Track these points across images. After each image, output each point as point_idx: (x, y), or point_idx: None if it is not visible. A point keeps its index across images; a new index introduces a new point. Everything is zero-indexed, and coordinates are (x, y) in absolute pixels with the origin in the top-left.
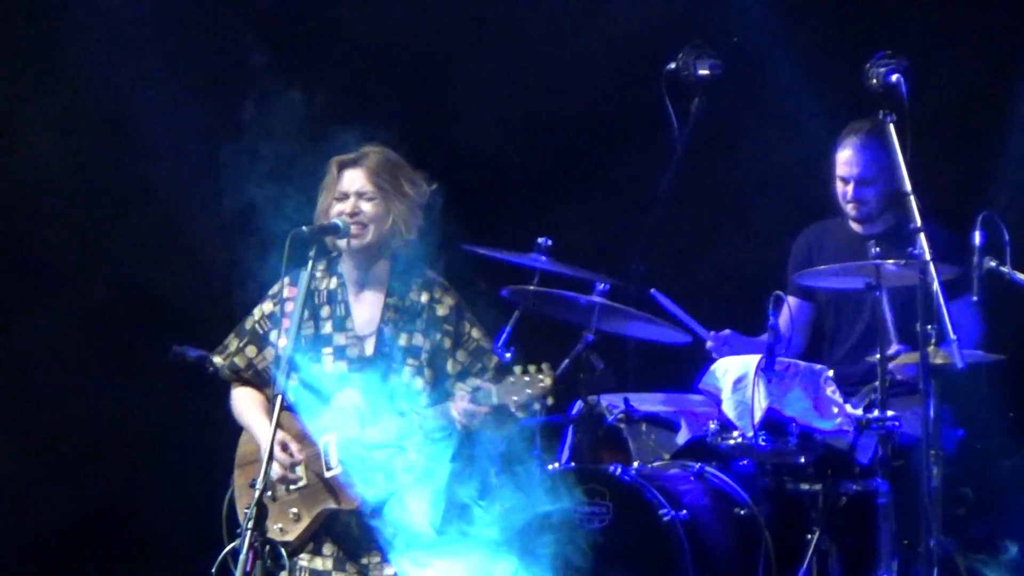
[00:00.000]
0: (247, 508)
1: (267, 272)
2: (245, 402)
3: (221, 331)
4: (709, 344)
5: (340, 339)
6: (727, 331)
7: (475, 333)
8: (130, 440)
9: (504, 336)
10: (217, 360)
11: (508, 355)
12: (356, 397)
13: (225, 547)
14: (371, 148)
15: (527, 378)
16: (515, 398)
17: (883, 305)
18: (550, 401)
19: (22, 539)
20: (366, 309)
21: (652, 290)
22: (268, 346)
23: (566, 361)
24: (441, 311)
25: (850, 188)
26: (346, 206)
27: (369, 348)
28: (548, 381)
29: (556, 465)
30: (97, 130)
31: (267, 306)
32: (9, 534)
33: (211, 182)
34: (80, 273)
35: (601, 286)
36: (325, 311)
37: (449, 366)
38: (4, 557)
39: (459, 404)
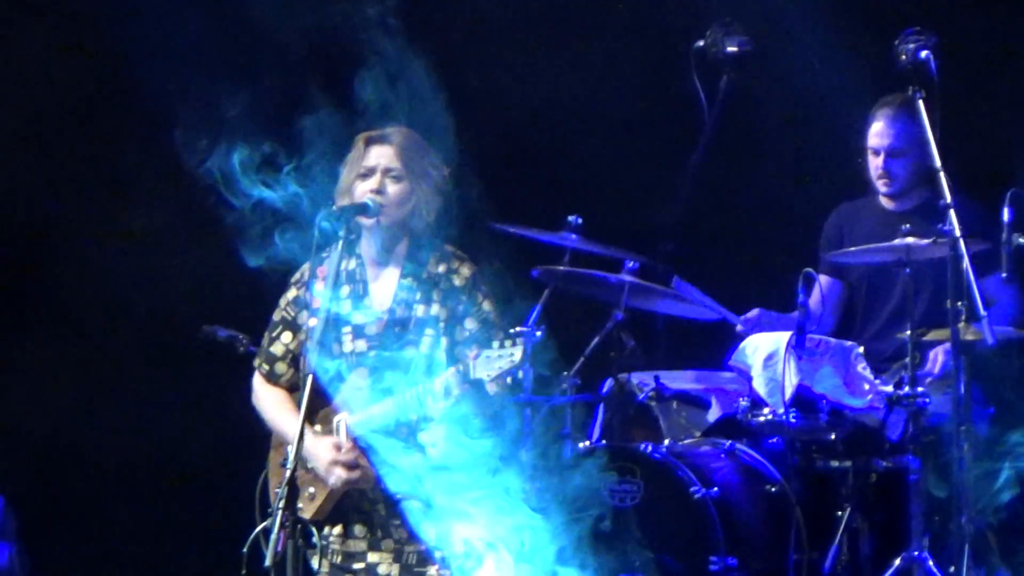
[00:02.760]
0: (278, 488)
1: (296, 251)
2: (272, 405)
3: (252, 314)
4: (739, 328)
5: (358, 318)
6: (755, 312)
7: (486, 305)
8: (164, 424)
9: (535, 314)
10: (256, 361)
11: (539, 333)
12: (367, 374)
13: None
14: (396, 128)
15: (499, 352)
16: (488, 373)
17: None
18: (520, 375)
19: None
20: (384, 287)
21: (675, 278)
22: (301, 329)
23: (596, 339)
24: (458, 281)
25: (880, 160)
26: (371, 183)
27: (385, 322)
28: (517, 355)
29: (587, 443)
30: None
31: (291, 293)
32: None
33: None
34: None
35: (631, 264)
36: (344, 291)
37: (457, 333)
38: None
39: (438, 382)
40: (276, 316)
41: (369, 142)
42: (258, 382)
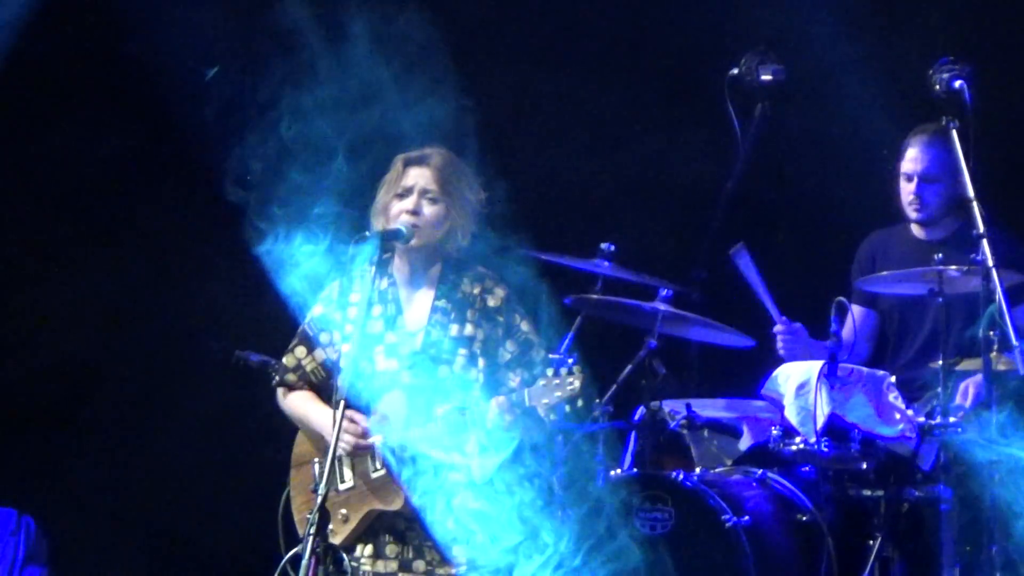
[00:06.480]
0: (308, 513)
1: (329, 276)
2: (301, 400)
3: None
4: (777, 328)
5: (391, 337)
6: (799, 324)
7: (524, 326)
8: (185, 444)
9: (567, 341)
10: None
11: (571, 360)
12: (403, 397)
13: (281, 547)
14: (435, 149)
15: (556, 381)
16: (544, 401)
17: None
18: (579, 403)
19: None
20: (417, 307)
21: (739, 246)
22: (317, 347)
23: (629, 367)
24: (492, 302)
25: (913, 185)
26: (408, 203)
27: (419, 342)
28: (576, 383)
29: (619, 471)
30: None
31: (317, 309)
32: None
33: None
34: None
35: (665, 291)
36: (376, 311)
37: (500, 356)
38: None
39: (492, 407)
40: (300, 328)
41: (408, 163)
42: (278, 390)
